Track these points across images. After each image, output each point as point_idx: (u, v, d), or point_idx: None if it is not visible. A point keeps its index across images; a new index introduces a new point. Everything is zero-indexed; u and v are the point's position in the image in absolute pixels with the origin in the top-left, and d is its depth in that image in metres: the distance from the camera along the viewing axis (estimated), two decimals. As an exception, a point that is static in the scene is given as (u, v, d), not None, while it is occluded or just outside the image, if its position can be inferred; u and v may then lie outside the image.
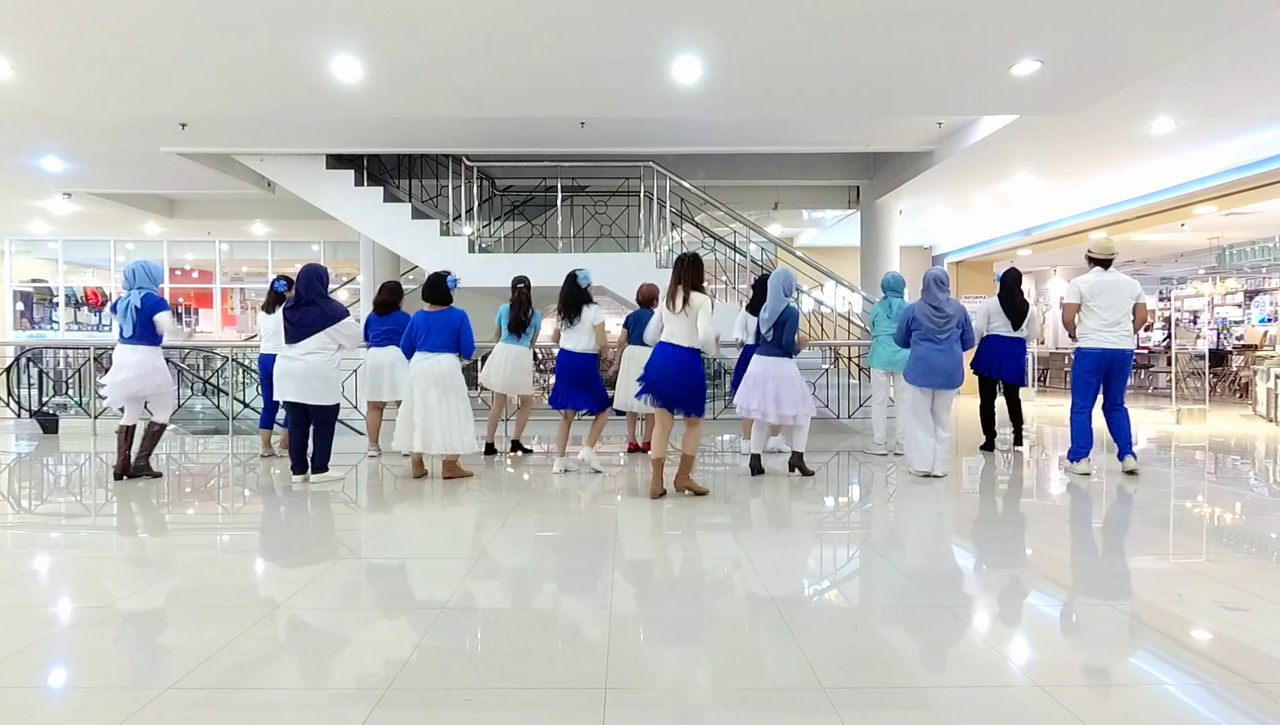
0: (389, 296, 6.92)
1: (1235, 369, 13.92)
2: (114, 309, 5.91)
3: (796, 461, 6.01)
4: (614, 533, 4.41)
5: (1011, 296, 7.26)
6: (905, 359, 6.72)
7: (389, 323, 6.80)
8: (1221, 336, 15.41)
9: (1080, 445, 6.07)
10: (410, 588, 3.56)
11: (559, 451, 6.27)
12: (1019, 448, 7.38)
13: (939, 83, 6.44)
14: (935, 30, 5.38)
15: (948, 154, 8.99)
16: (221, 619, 3.05)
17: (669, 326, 5.16)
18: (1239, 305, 15.63)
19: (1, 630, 2.88)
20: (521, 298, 6.75)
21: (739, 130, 8.70)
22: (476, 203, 10.09)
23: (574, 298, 6.18)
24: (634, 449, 7.25)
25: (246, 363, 10.68)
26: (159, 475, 6.02)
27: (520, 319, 6.74)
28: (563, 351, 6.20)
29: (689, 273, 5.16)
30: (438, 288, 5.97)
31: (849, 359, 9.73)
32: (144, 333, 5.78)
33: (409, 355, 6.06)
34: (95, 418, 9.09)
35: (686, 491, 5.24)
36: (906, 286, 7.12)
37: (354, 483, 5.94)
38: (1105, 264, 6.05)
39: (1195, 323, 16.07)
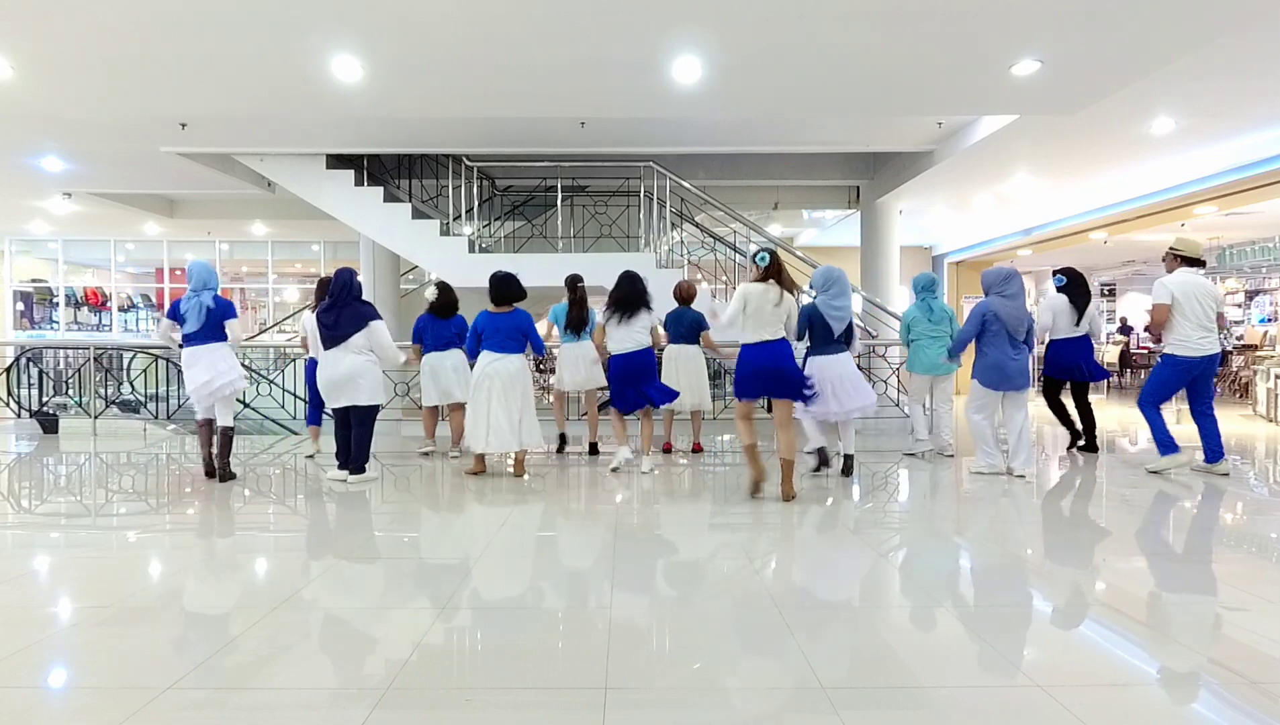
0: (450, 299, 6.90)
1: (1235, 369, 13.91)
2: (172, 310, 5.85)
3: (848, 462, 5.88)
4: (620, 533, 4.41)
5: (1079, 293, 6.99)
6: (949, 363, 6.56)
7: (454, 327, 6.79)
8: (1222, 336, 15.40)
9: (1166, 438, 5.88)
10: (414, 587, 3.56)
11: (619, 439, 6.23)
12: (1093, 451, 7.05)
13: (939, 83, 6.43)
14: (935, 30, 5.38)
15: (948, 154, 8.99)
16: (222, 619, 3.05)
17: (767, 323, 4.94)
18: (1239, 305, 15.63)
19: (1, 630, 2.88)
20: (583, 297, 6.79)
21: (739, 130, 8.70)
22: (476, 203, 10.09)
23: (640, 296, 6.17)
24: (669, 449, 7.23)
25: (247, 363, 10.68)
26: (235, 476, 5.94)
27: (583, 317, 6.76)
28: (620, 355, 6.09)
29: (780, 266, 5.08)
30: (507, 289, 5.99)
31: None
32: (213, 332, 5.78)
33: (473, 356, 6.08)
34: (95, 418, 9.09)
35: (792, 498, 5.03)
36: (939, 285, 6.88)
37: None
38: (1197, 263, 5.83)
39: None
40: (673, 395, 6.33)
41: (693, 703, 2.34)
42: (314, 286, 6.91)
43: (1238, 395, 13.22)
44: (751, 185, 11.11)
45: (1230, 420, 10.25)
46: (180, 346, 5.88)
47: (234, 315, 5.94)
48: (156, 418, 9.40)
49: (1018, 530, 4.66)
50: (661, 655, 2.78)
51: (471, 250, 9.39)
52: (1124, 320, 17.44)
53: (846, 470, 5.87)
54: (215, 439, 5.84)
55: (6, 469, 7.11)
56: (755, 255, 5.09)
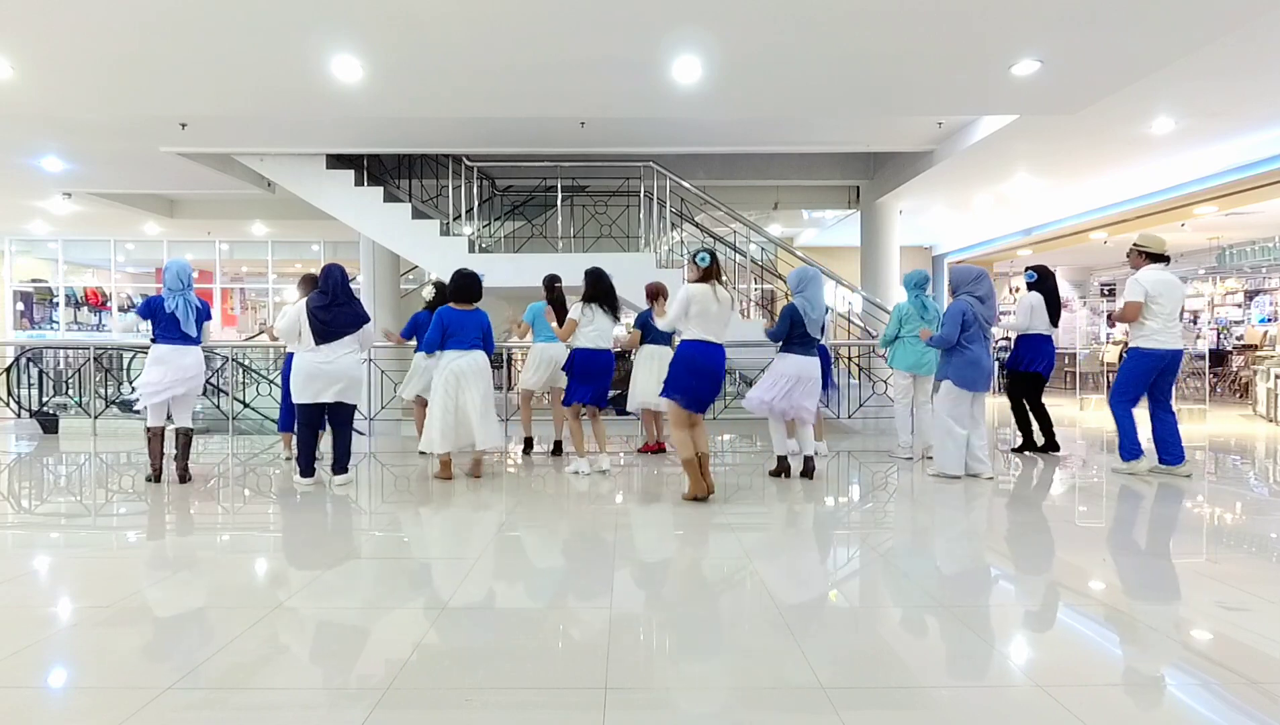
0: (444, 295, 6.85)
1: (1235, 369, 13.91)
2: (151, 307, 5.69)
3: (809, 464, 5.84)
4: (619, 533, 4.41)
5: (1054, 292, 7.07)
6: (932, 361, 6.40)
7: None
8: (1221, 336, 15.41)
9: (1133, 442, 5.91)
10: (413, 587, 3.56)
11: (579, 451, 6.16)
12: (1056, 452, 7.04)
13: (939, 83, 6.44)
14: (935, 30, 5.38)
15: (948, 154, 8.99)
16: (222, 619, 3.05)
17: (714, 324, 4.97)
18: (1239, 305, 15.62)
19: (1, 630, 2.88)
20: (561, 297, 6.77)
21: (739, 130, 8.70)
22: (476, 203, 10.09)
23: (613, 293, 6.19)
24: (647, 450, 7.20)
25: (246, 363, 10.69)
26: (190, 478, 5.86)
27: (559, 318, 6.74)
28: (590, 351, 6.06)
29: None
30: (470, 288, 5.96)
31: (849, 359, 9.73)
32: (200, 335, 5.78)
33: (429, 351, 5.99)
34: (95, 418, 9.09)
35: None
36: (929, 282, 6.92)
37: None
38: (1162, 259, 5.87)
39: (1195, 323, 16.06)
40: (604, 401, 6.34)
41: (692, 703, 2.34)
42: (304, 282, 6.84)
43: (1238, 395, 13.22)
44: (751, 185, 11.12)
45: (1230, 420, 10.25)
46: (153, 341, 5.75)
47: (211, 316, 5.95)
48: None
49: (1001, 531, 4.66)
50: (661, 655, 2.78)
51: (471, 250, 9.39)
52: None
53: (807, 472, 5.83)
54: (176, 441, 5.79)
55: (6, 469, 7.11)
56: (695, 255, 5.14)
